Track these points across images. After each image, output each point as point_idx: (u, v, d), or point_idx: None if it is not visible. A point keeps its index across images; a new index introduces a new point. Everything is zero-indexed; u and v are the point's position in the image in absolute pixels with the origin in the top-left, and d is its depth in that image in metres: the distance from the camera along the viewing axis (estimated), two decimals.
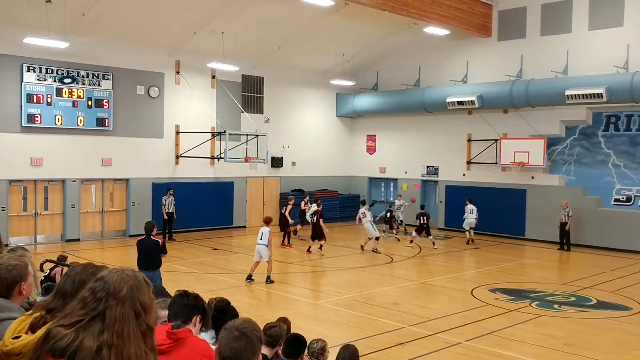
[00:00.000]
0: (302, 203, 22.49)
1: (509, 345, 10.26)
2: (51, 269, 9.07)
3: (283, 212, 21.47)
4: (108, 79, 20.70)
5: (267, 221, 14.92)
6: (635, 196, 20.92)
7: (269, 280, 14.58)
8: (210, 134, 22.97)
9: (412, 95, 25.60)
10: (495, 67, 23.52)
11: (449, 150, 25.50)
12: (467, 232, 22.37)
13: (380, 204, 26.91)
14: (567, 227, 20.78)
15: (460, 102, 23.16)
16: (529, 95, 21.82)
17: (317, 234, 19.19)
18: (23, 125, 18.97)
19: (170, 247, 14.16)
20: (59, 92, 19.57)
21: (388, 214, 23.15)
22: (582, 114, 21.79)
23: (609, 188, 21.42)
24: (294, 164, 26.95)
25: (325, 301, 13.42)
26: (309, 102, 27.64)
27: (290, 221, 21.21)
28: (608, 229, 21.10)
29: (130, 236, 20.68)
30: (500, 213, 23.38)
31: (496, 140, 23.61)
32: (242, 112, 24.29)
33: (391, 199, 27.40)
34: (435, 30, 22.78)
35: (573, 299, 13.94)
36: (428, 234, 20.70)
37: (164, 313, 4.05)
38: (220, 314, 4.99)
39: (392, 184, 28.38)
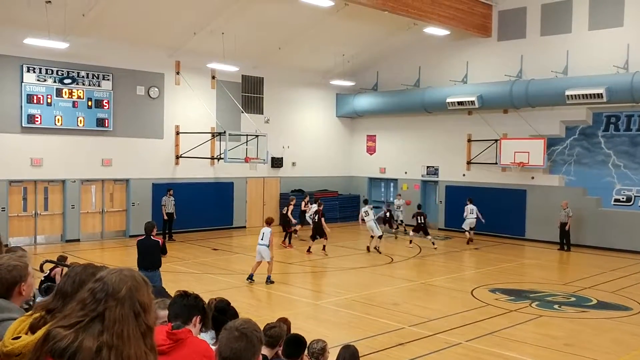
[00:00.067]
0: (303, 203, 22.51)
1: (509, 345, 10.26)
2: (51, 270, 9.09)
3: (284, 212, 21.48)
4: (108, 80, 20.71)
5: (269, 222, 14.92)
6: (635, 196, 20.91)
7: (269, 281, 14.59)
8: (210, 135, 22.97)
9: (412, 96, 25.59)
10: (495, 67, 23.51)
11: (449, 150, 25.49)
12: (467, 232, 22.38)
13: (374, 203, 26.82)
14: (567, 228, 20.77)
15: (460, 102, 23.16)
16: (529, 95, 21.81)
17: (318, 233, 19.19)
18: (23, 125, 18.98)
19: (170, 248, 14.13)
20: (59, 93, 19.57)
21: (387, 214, 23.19)
22: (582, 114, 21.78)
23: (609, 188, 21.41)
24: (294, 164, 26.94)
25: (326, 301, 13.43)
26: (309, 102, 27.64)
27: (294, 221, 21.23)
28: (608, 229, 21.09)
29: (130, 236, 20.68)
30: (500, 213, 23.36)
31: (496, 140, 23.60)
32: (242, 112, 24.29)
33: (391, 199, 27.41)
34: (435, 31, 22.77)
35: (573, 299, 13.94)
36: (426, 233, 20.69)
37: (164, 313, 4.05)
38: (220, 314, 4.99)
39: (392, 184, 28.35)
